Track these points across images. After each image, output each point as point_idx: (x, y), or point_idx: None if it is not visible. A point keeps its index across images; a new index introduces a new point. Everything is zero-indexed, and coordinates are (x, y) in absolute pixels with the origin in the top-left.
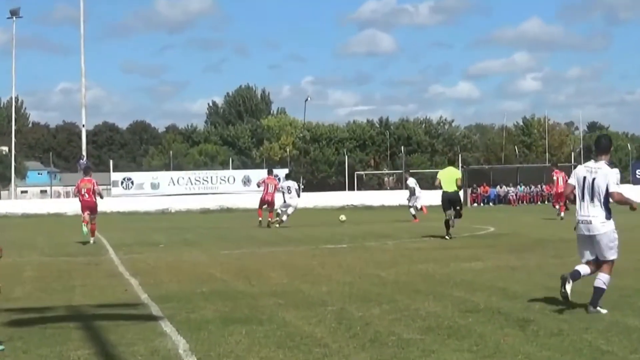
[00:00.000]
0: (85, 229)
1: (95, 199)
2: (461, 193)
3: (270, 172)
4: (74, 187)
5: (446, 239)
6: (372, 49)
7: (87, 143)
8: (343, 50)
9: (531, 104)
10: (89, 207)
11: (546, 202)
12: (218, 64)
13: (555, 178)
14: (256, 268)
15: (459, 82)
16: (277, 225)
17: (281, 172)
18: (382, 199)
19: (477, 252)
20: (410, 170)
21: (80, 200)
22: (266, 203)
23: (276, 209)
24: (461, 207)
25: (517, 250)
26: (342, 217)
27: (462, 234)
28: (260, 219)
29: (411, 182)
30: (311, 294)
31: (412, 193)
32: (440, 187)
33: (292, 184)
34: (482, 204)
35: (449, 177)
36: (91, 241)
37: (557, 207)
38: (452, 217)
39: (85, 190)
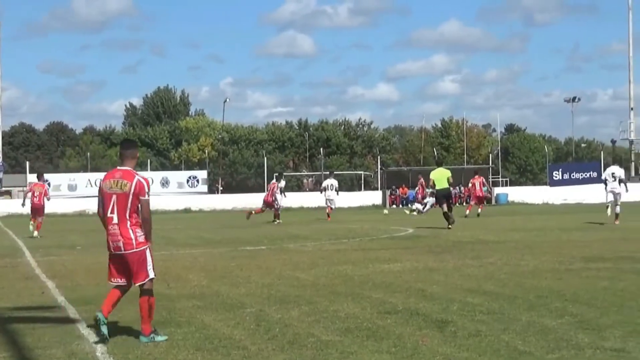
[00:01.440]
0: (31, 227)
1: (44, 201)
2: (379, 194)
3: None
4: (27, 188)
5: (450, 228)
6: (291, 51)
7: (3, 144)
8: (262, 52)
9: (450, 106)
10: (38, 208)
11: (464, 204)
12: (136, 64)
13: (472, 183)
14: (174, 270)
15: (379, 84)
16: (276, 222)
17: (201, 174)
18: (301, 201)
19: (395, 254)
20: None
21: (31, 202)
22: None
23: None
24: (453, 201)
25: (436, 252)
26: (386, 211)
27: (380, 236)
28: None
29: (326, 182)
30: (230, 296)
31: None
32: (434, 187)
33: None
34: (401, 206)
35: (441, 176)
36: (36, 234)
37: (479, 208)
38: (449, 210)
39: (37, 193)
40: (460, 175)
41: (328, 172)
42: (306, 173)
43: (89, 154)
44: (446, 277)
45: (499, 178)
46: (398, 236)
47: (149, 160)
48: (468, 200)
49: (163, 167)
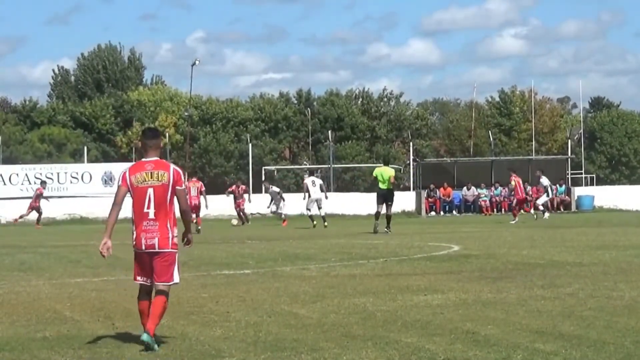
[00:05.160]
0: None
1: None
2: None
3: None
4: None
5: (377, 232)
6: None
7: None
8: None
9: (512, 72)
10: None
11: (532, 211)
12: (67, 13)
13: (513, 183)
14: (122, 303)
15: (411, 40)
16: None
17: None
18: (301, 205)
19: (434, 281)
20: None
21: None
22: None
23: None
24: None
25: (491, 278)
26: (234, 222)
27: (413, 255)
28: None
29: (308, 180)
30: (201, 340)
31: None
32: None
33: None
34: (442, 213)
35: (385, 175)
36: None
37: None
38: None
39: None
40: (527, 170)
41: (307, 172)
42: (308, 166)
43: (0, 138)
44: (506, 313)
45: (581, 174)
46: (438, 256)
47: (85, 148)
48: (519, 203)
49: (106, 158)
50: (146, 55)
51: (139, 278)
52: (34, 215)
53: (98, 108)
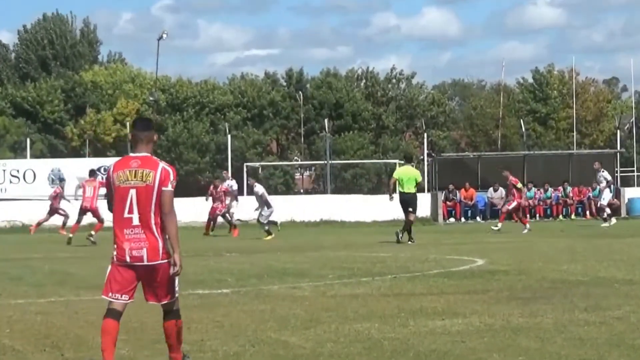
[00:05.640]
0: None
1: None
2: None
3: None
4: None
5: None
6: None
7: None
8: None
9: (548, 48)
10: None
11: (573, 216)
12: None
13: (511, 182)
14: (73, 329)
15: (425, 9)
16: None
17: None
18: (292, 210)
19: (454, 302)
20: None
21: None
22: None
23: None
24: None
25: (523, 299)
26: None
27: (427, 271)
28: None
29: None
30: None
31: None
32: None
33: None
34: (463, 219)
35: (409, 176)
36: None
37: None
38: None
39: None
40: (567, 167)
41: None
42: (299, 162)
43: None
44: (542, 342)
45: (633, 172)
46: (458, 272)
47: (27, 140)
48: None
49: (53, 152)
50: (102, 28)
51: (111, 295)
52: (55, 219)
53: (44, 92)
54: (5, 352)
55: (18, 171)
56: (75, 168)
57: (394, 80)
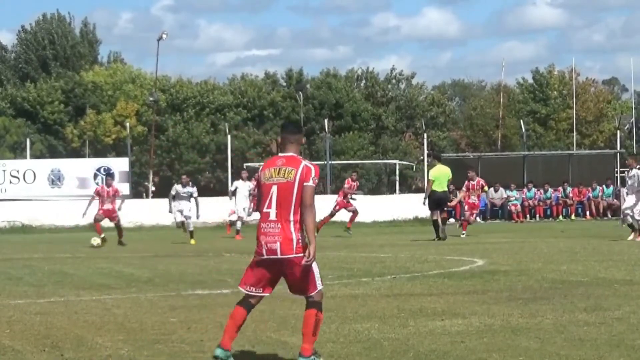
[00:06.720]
0: None
1: None
2: None
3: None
4: None
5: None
6: None
7: None
8: None
9: (548, 48)
10: None
11: (573, 217)
12: None
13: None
14: (73, 330)
15: (425, 9)
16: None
17: (118, 164)
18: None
19: (454, 302)
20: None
21: None
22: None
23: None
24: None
25: (523, 299)
26: (95, 241)
27: (427, 271)
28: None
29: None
30: None
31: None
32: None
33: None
34: (462, 219)
35: (442, 175)
36: None
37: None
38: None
39: None
40: (567, 167)
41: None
42: None
43: None
44: (541, 342)
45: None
46: (458, 272)
47: (27, 141)
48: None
49: (53, 153)
50: (102, 28)
51: (247, 287)
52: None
53: (44, 92)
54: (5, 352)
55: (18, 171)
56: (75, 169)
57: (393, 81)
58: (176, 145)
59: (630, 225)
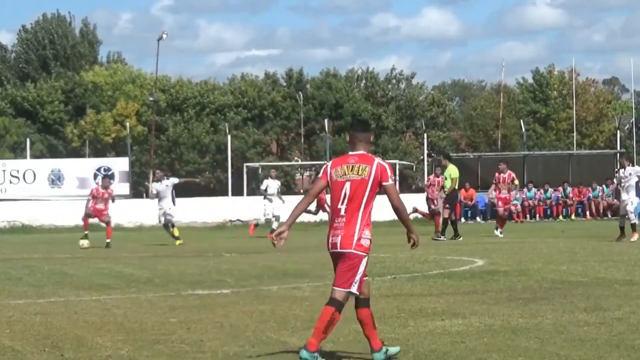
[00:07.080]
0: None
1: None
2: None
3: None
4: None
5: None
6: None
7: None
8: None
9: (548, 48)
10: None
11: (573, 217)
12: None
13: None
14: (73, 330)
15: (425, 9)
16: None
17: (118, 164)
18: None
19: (454, 303)
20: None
21: None
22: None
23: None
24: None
25: (523, 299)
26: (84, 243)
27: (427, 272)
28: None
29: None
30: None
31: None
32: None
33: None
34: (463, 219)
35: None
36: None
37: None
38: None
39: None
40: (567, 167)
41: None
42: (300, 163)
43: None
44: (541, 342)
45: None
46: (458, 272)
47: (27, 140)
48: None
49: (53, 153)
50: (102, 28)
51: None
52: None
53: (44, 92)
54: (5, 353)
55: (18, 171)
56: (75, 169)
57: (393, 81)
58: (176, 145)
59: (632, 225)
